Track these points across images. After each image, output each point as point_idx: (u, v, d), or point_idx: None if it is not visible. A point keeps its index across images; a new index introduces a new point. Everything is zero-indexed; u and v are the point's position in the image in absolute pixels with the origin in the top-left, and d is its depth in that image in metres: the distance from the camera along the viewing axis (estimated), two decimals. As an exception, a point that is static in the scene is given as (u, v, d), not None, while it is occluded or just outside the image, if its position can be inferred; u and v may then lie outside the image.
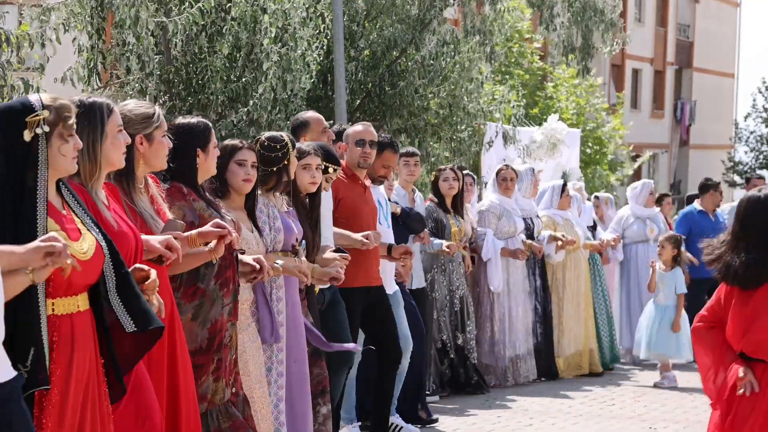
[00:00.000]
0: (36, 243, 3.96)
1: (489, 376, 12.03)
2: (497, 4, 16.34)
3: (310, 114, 8.68)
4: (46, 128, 4.26)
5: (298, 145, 7.34)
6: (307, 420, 6.96)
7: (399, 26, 15.68)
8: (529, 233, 12.45)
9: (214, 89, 11.81)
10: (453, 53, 15.69)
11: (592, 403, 11.32)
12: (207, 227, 5.55)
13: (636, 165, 32.88)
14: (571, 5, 18.13)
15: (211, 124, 6.07)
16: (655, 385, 12.36)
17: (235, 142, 6.58)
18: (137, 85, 11.86)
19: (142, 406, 4.78)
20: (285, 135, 7.03)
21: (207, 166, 6.01)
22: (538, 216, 12.72)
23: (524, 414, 10.62)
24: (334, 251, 7.55)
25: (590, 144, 28.42)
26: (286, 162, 6.94)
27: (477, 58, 15.83)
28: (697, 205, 15.02)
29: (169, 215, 5.47)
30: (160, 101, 11.92)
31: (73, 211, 4.44)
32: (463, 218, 11.38)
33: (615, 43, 18.58)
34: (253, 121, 11.76)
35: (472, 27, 16.16)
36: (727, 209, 15.28)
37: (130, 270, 4.47)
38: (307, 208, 7.35)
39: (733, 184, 51.03)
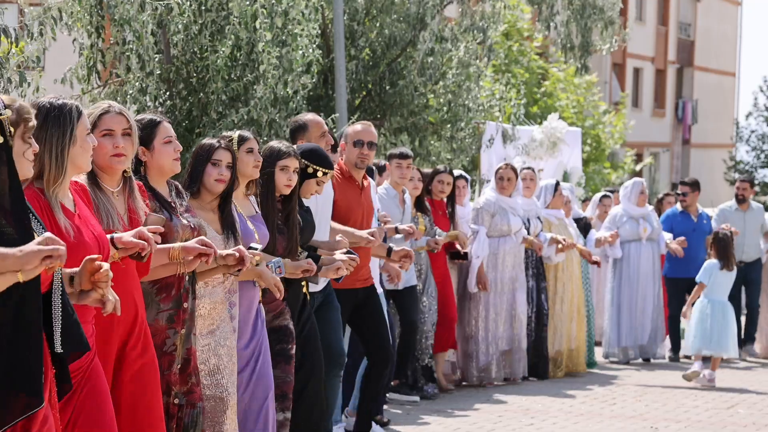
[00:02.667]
0: (35, 246, 3.83)
1: (477, 373, 12.06)
2: (494, 1, 16.32)
3: (310, 117, 8.49)
4: (12, 129, 4.08)
5: (277, 145, 7.25)
6: (259, 423, 6.75)
7: (399, 25, 15.67)
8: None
9: (215, 88, 11.79)
10: (450, 49, 15.68)
11: (593, 403, 11.30)
12: (192, 243, 5.48)
13: (638, 168, 32.86)
14: (570, 3, 18.10)
15: (159, 120, 5.86)
16: (694, 380, 12.33)
17: (212, 141, 6.47)
18: (137, 84, 11.84)
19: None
20: (235, 134, 6.84)
21: (156, 163, 5.81)
22: (538, 217, 12.62)
23: (525, 413, 10.61)
24: (344, 253, 7.45)
25: (589, 142, 28.40)
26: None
27: (474, 55, 15.81)
28: (678, 205, 15.07)
29: (146, 216, 5.36)
30: (160, 100, 11.90)
31: None
32: (428, 216, 11.19)
33: (614, 41, 18.55)
34: (253, 121, 11.74)
35: (471, 24, 16.14)
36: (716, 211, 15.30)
37: (83, 262, 4.29)
38: (278, 210, 7.20)
39: (734, 183, 50.99)
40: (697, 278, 12.54)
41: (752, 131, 51.50)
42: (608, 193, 15.88)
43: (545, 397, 11.55)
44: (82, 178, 5.10)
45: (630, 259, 14.09)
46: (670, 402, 11.40)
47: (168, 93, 12.01)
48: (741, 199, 15.22)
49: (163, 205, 5.74)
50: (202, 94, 12.04)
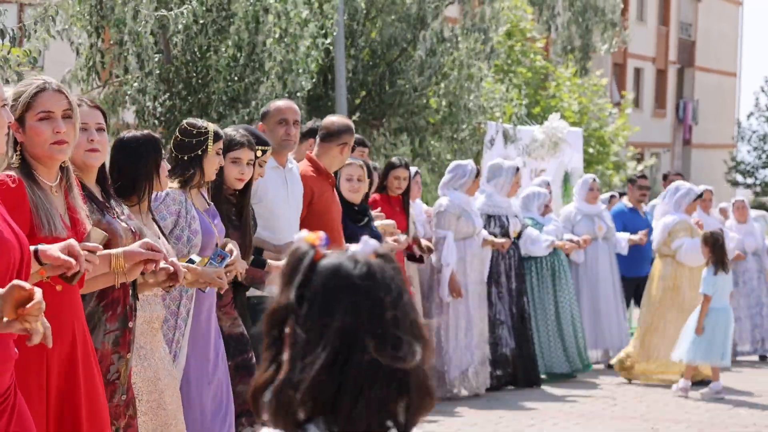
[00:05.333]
0: None
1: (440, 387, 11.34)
2: (495, 2, 16.31)
3: (275, 103, 7.91)
4: None
5: (230, 133, 6.64)
6: None
7: (399, 25, 15.65)
8: (504, 232, 11.86)
9: (216, 89, 11.77)
10: (451, 50, 15.65)
11: (594, 403, 11.28)
12: (137, 248, 4.62)
13: (640, 167, 32.76)
14: (572, 4, 18.09)
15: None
16: (707, 400, 11.52)
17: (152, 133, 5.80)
18: (136, 84, 11.82)
19: None
20: (209, 124, 6.28)
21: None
22: (516, 216, 12.14)
23: (526, 414, 10.58)
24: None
25: (593, 144, 28.34)
26: (200, 152, 6.18)
27: (476, 55, 15.79)
28: (626, 201, 14.67)
29: (87, 225, 4.52)
30: (160, 100, 11.88)
31: None
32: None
33: (614, 42, 18.52)
34: (254, 121, 11.72)
35: (472, 25, 16.13)
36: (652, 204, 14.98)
37: (5, 289, 3.49)
38: (233, 205, 6.68)
39: (735, 184, 50.97)
40: (701, 290, 11.72)
41: (753, 131, 51.53)
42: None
43: (546, 397, 11.52)
44: (10, 171, 4.35)
45: (587, 260, 13.56)
46: (671, 403, 11.36)
47: (168, 93, 12.00)
48: None
49: (98, 205, 4.91)
50: (202, 95, 12.02)
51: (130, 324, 4.99)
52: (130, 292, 5.00)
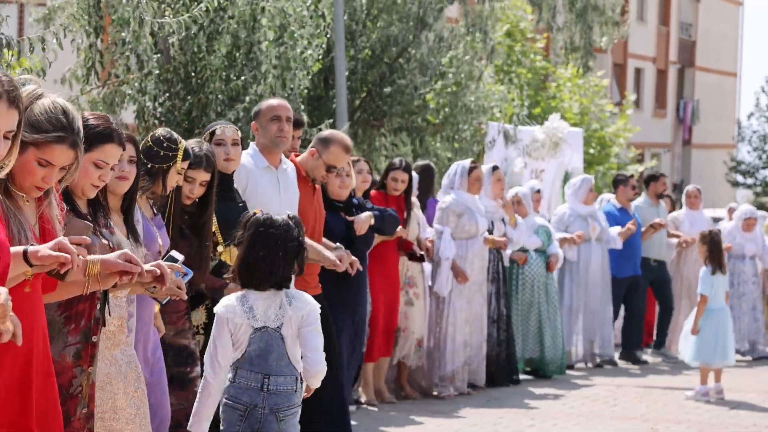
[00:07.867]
0: None
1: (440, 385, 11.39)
2: (495, 1, 16.31)
3: (267, 101, 7.89)
4: None
5: (194, 149, 6.47)
6: None
7: (399, 25, 15.64)
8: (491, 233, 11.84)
9: (213, 88, 11.76)
10: (451, 50, 15.65)
11: (593, 404, 11.27)
12: (114, 258, 4.37)
13: (641, 169, 32.77)
14: (573, 4, 18.09)
15: (113, 132, 4.90)
16: (696, 399, 11.49)
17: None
18: (136, 84, 11.81)
19: None
20: (183, 142, 6.16)
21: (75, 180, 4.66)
22: (502, 220, 12.12)
23: (525, 414, 10.57)
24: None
25: (594, 145, 28.34)
26: (165, 167, 6.07)
27: (476, 56, 15.79)
28: (615, 201, 14.48)
29: (68, 221, 4.40)
30: (159, 100, 11.87)
31: None
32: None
33: (614, 36, 18.51)
34: (251, 119, 11.69)
35: (472, 25, 16.13)
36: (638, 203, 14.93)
37: None
38: (189, 216, 6.52)
39: (735, 184, 50.97)
40: (699, 291, 11.60)
41: (754, 131, 51.55)
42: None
43: (546, 398, 11.52)
44: None
45: (580, 261, 13.56)
46: (671, 403, 11.36)
47: (167, 93, 11.98)
48: (664, 196, 14.95)
49: (82, 218, 4.84)
50: (201, 94, 12.01)
51: (94, 338, 4.79)
52: (98, 305, 4.81)
